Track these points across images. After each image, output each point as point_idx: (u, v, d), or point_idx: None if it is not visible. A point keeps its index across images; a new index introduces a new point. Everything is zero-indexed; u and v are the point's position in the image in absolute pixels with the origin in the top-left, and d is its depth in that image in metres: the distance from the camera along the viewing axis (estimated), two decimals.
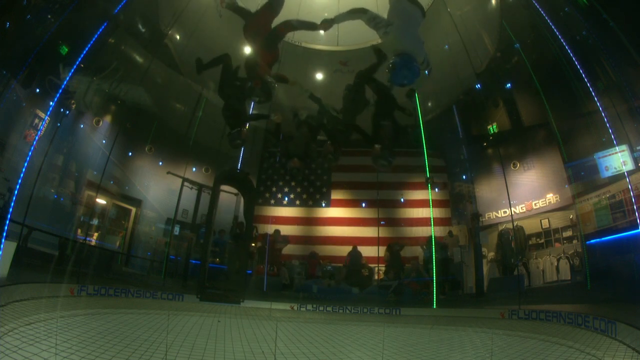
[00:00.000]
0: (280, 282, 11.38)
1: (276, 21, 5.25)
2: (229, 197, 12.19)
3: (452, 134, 12.74)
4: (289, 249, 12.64)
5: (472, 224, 11.92)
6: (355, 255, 12.11)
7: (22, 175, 7.33)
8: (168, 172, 11.83)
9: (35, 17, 8.27)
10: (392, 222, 13.19)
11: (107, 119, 11.34)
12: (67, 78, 8.41)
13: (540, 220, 10.85)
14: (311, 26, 5.13)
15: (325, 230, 13.57)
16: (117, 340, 3.84)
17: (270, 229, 12.39)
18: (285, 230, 13.10)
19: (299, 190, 14.03)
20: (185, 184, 11.83)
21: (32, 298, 5.05)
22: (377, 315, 8.68)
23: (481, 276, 10.80)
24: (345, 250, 12.36)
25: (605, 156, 8.73)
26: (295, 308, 8.87)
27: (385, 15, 4.36)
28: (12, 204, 7.02)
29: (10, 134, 8.31)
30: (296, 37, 11.56)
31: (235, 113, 5.34)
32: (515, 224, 10.86)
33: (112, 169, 10.87)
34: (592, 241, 8.99)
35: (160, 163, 12.43)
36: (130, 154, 11.97)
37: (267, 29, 5.07)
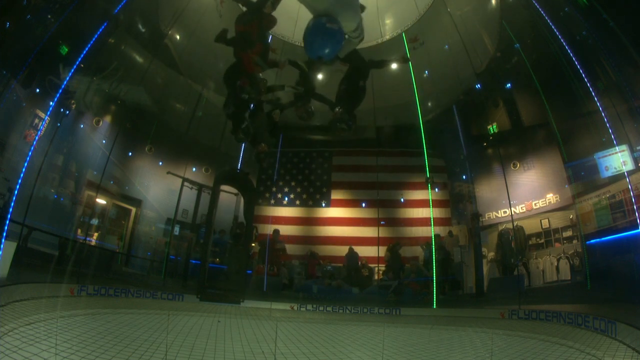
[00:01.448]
0: (280, 282, 11.39)
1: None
2: (229, 197, 12.19)
3: (452, 134, 12.75)
4: (289, 249, 12.64)
5: (472, 224, 11.92)
6: (351, 256, 12.13)
7: (22, 175, 7.34)
8: (168, 172, 11.84)
9: (35, 17, 8.27)
10: (392, 222, 13.19)
11: (107, 119, 11.34)
12: (67, 78, 8.42)
13: (540, 220, 10.85)
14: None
15: (325, 230, 13.57)
16: (117, 340, 3.84)
17: (270, 229, 12.40)
18: (286, 230, 13.11)
19: (299, 190, 14.04)
20: (185, 184, 11.83)
21: (32, 298, 5.05)
22: (377, 315, 8.68)
23: (481, 276, 10.81)
24: (345, 250, 12.37)
25: (605, 156, 8.73)
26: (295, 308, 8.87)
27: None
28: (12, 204, 7.02)
29: (10, 134, 8.31)
30: (296, 37, 11.57)
31: (239, 105, 5.07)
32: (515, 224, 10.86)
33: (112, 169, 10.87)
34: (592, 241, 8.99)
35: (160, 163, 12.43)
36: (130, 154, 11.97)
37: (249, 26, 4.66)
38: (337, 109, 4.90)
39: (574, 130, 9.79)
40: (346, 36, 3.39)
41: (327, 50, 3.20)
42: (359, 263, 11.98)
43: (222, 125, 11.44)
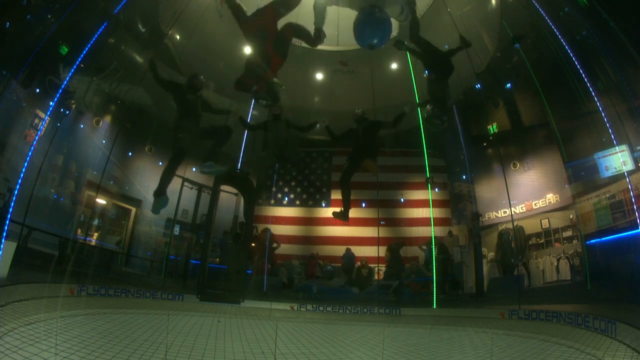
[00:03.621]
0: (280, 281, 11.40)
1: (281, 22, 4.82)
2: (229, 197, 12.19)
3: (452, 134, 12.75)
4: (289, 249, 12.63)
5: (472, 224, 11.92)
6: (348, 257, 12.14)
7: (22, 175, 7.33)
8: None
9: (35, 17, 8.27)
10: (392, 222, 13.19)
11: (107, 119, 11.34)
12: (67, 78, 8.41)
13: (540, 220, 10.85)
14: (314, 40, 4.66)
15: (326, 230, 13.57)
16: (117, 340, 3.84)
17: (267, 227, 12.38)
18: (285, 230, 13.08)
19: (299, 190, 14.03)
20: (185, 184, 11.83)
21: (32, 298, 5.04)
22: (377, 315, 8.68)
23: (481, 276, 10.80)
24: (344, 250, 12.37)
25: (605, 156, 8.74)
26: (295, 308, 8.87)
27: None
28: (12, 204, 7.02)
29: (10, 134, 8.32)
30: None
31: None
32: (515, 224, 10.86)
33: (112, 169, 10.87)
34: (592, 241, 8.99)
35: (160, 163, 12.42)
36: (130, 154, 11.96)
37: (272, 29, 4.62)
38: (428, 106, 5.30)
39: (574, 130, 9.80)
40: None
41: (376, 40, 3.44)
42: (359, 263, 11.99)
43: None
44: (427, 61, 5.47)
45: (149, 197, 12.21)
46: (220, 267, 11.06)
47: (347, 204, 6.24)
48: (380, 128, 6.44)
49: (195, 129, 5.69)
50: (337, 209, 6.35)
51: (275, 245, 11.96)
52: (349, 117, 6.61)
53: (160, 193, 5.16)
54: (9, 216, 6.77)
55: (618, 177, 8.51)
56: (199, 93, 5.90)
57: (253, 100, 5.48)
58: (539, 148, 11.11)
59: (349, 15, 4.15)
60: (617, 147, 8.29)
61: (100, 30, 8.81)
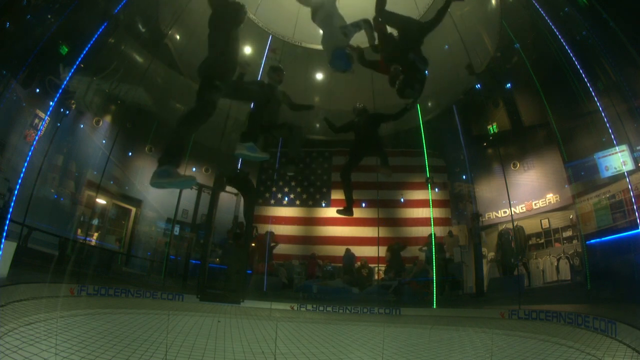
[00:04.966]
0: (280, 281, 11.40)
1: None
2: (229, 197, 12.18)
3: (452, 134, 12.74)
4: (289, 249, 12.64)
5: (472, 224, 11.92)
6: (348, 257, 12.14)
7: (22, 175, 7.33)
8: None
9: (35, 17, 8.27)
10: (392, 222, 13.19)
11: (107, 119, 11.34)
12: (67, 78, 8.41)
13: (540, 220, 10.85)
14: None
15: (326, 230, 13.57)
16: (117, 340, 3.84)
17: (270, 229, 12.39)
18: (285, 230, 13.08)
19: (299, 190, 14.03)
20: None
21: (32, 298, 5.05)
22: (377, 315, 8.68)
23: (481, 276, 10.80)
24: (344, 250, 12.37)
25: (605, 156, 8.73)
26: (295, 308, 8.87)
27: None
28: (12, 204, 7.02)
29: (10, 134, 8.31)
30: (296, 37, 11.56)
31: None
32: (515, 224, 10.86)
33: (112, 169, 10.87)
34: (592, 241, 8.99)
35: None
36: (130, 154, 11.96)
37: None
38: (400, 76, 5.16)
39: (574, 130, 9.79)
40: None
41: (343, 68, 4.67)
42: (358, 263, 11.99)
43: (222, 125, 11.44)
44: (397, 28, 5.62)
45: (149, 197, 12.30)
46: (220, 267, 11.06)
47: (349, 198, 6.24)
48: (382, 121, 6.38)
49: (230, 84, 4.20)
50: (341, 208, 6.37)
51: (273, 244, 11.97)
52: (349, 116, 6.62)
53: (169, 160, 3.28)
54: (9, 216, 6.78)
55: (618, 177, 8.51)
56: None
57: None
58: (539, 148, 11.10)
59: (349, 18, 5.03)
60: (617, 147, 8.29)
61: (100, 30, 8.81)
